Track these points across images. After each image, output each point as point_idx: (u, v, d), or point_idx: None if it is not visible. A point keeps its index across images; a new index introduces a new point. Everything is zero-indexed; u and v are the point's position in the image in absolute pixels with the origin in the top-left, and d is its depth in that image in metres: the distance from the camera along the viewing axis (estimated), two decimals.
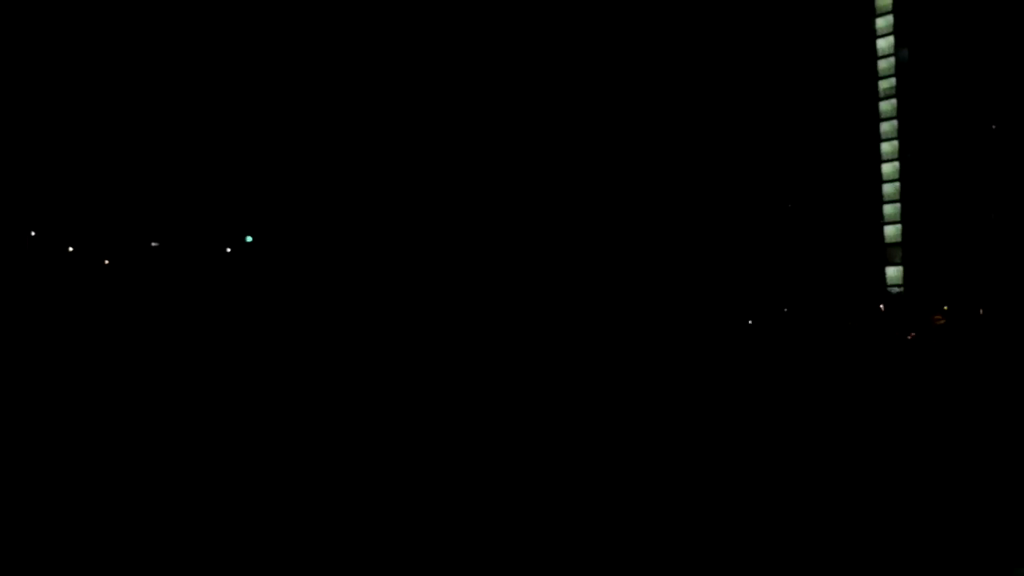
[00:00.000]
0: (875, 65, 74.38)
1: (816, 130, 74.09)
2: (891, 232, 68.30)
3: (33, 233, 46.76)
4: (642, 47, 72.95)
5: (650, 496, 11.01)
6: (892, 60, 73.54)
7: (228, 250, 48.59)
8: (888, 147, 71.35)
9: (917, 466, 12.64)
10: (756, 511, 10.03)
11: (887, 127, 71.84)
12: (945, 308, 53.39)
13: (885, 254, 67.61)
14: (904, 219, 67.41)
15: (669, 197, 70.64)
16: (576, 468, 13.16)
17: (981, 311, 53.77)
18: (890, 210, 68.89)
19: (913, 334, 44.01)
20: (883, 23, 74.89)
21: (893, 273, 66.91)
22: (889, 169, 70.28)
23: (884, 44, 74.67)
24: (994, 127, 64.39)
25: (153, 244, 47.82)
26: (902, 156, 70.08)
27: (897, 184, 69.15)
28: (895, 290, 64.80)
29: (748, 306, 65.13)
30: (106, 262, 50.63)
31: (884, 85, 73.65)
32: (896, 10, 72.52)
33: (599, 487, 11.75)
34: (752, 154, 73.84)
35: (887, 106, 72.45)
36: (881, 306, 59.99)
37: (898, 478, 11.87)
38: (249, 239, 49.43)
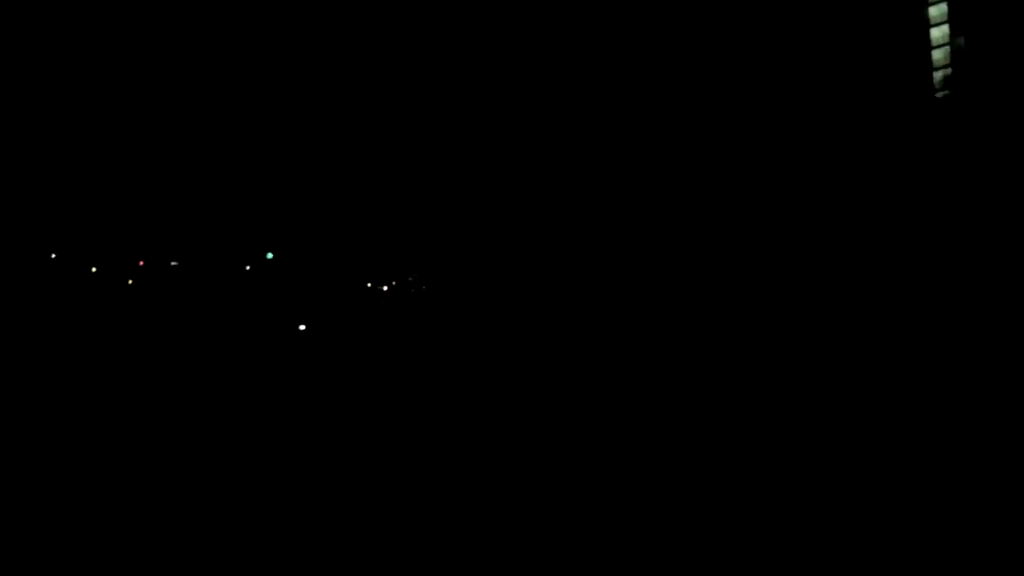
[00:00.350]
0: (929, 55, 70.19)
1: (867, 125, 70.36)
2: None
3: (54, 255, 46.24)
4: (691, 44, 70.08)
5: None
6: (947, 49, 69.27)
7: (248, 267, 47.30)
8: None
9: None
10: None
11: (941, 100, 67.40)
12: None
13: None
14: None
15: (701, 195, 67.54)
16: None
17: None
18: None
19: None
20: (936, 12, 70.53)
21: None
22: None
23: (938, 33, 70.36)
24: None
25: (173, 263, 46.84)
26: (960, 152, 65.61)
27: None
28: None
29: (807, 311, 61.38)
30: (129, 282, 49.98)
31: (939, 76, 69.29)
32: None
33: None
34: (798, 149, 70.30)
35: (940, 75, 68.02)
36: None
37: None
38: (270, 256, 48.07)
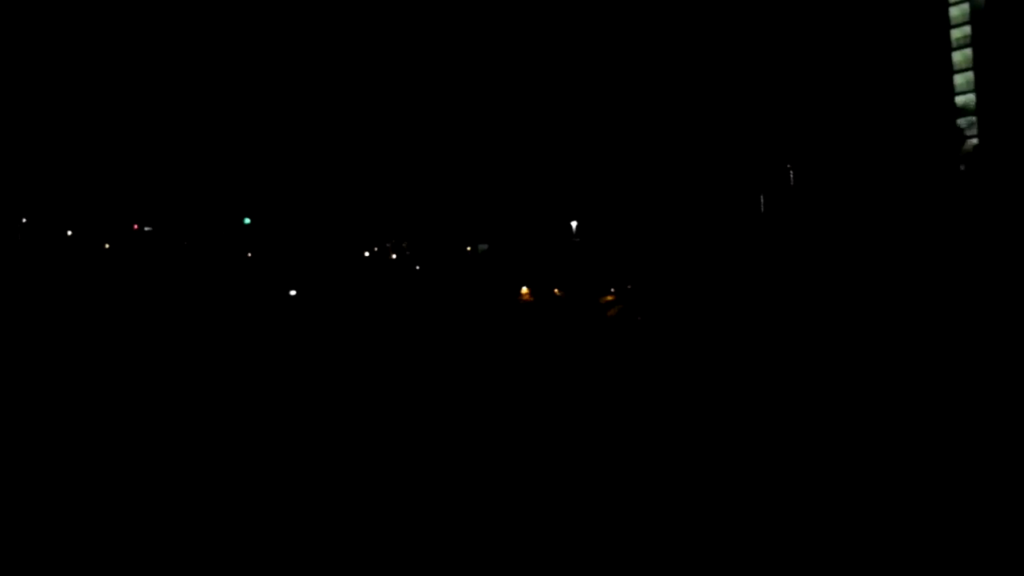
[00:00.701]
0: (947, 12, 66.77)
1: (882, 85, 67.55)
2: None
3: (25, 220, 45.34)
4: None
5: None
6: (966, 7, 65.76)
7: (223, 232, 46.09)
8: (962, 100, 63.64)
9: None
10: None
11: (960, 80, 64.12)
12: None
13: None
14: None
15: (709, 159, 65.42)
16: None
17: None
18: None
19: None
20: None
21: None
22: (964, 124, 62.73)
23: None
24: None
25: (147, 228, 45.75)
26: (979, 112, 62.43)
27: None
28: None
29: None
30: (106, 246, 48.99)
31: (957, 34, 65.73)
32: None
33: None
34: (813, 108, 67.74)
35: (960, 57, 64.66)
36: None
37: None
38: (247, 221, 46.78)
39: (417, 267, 48.91)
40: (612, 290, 57.14)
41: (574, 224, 52.84)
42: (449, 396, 17.74)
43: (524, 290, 58.32)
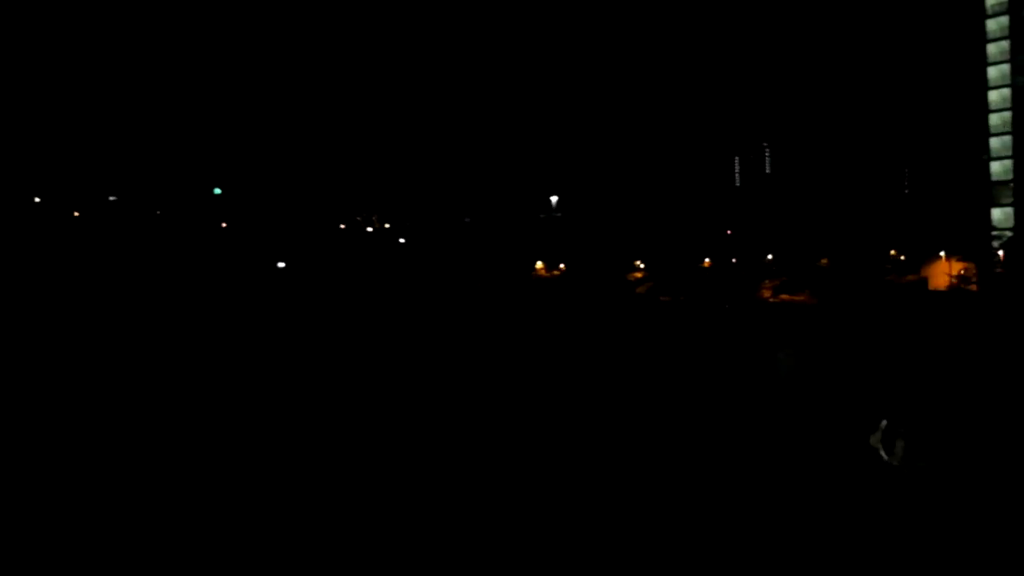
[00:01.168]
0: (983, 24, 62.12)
1: (916, 53, 64.11)
2: (998, 169, 56.77)
3: None
4: None
5: None
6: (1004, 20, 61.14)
7: (192, 203, 43.54)
8: (995, 72, 58.87)
9: None
10: None
11: (994, 48, 59.30)
12: None
13: (991, 193, 56.48)
14: (1016, 154, 55.67)
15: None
16: None
17: None
18: (997, 144, 57.11)
19: None
20: None
21: (999, 215, 55.41)
22: (997, 97, 58.04)
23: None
24: None
25: (111, 198, 43.39)
26: (1014, 81, 57.61)
27: (1007, 114, 56.93)
28: (1004, 235, 52.95)
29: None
30: (75, 214, 47.09)
31: (991, 1, 60.91)
32: None
33: None
34: (849, 83, 64.61)
35: (994, 24, 59.90)
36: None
37: None
38: (218, 191, 44.15)
39: (401, 240, 46.02)
40: (641, 266, 54.51)
41: (554, 199, 49.49)
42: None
43: (539, 264, 55.58)
